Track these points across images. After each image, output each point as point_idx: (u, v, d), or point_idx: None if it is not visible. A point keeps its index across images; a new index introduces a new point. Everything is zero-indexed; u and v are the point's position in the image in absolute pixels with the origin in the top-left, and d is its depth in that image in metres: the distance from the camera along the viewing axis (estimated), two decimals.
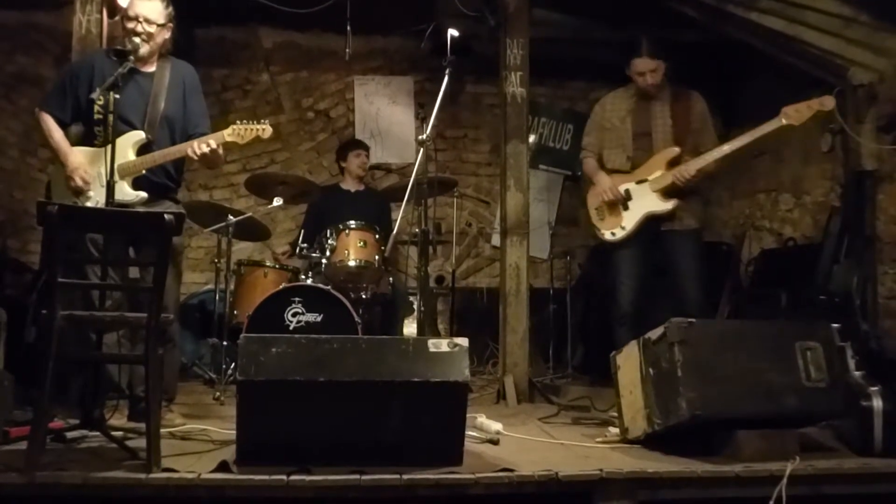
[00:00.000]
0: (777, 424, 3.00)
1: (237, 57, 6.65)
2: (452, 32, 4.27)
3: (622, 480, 2.73)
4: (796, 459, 2.81)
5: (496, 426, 3.37)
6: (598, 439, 3.35)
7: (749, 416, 2.97)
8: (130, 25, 3.54)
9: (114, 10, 4.19)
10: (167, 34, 3.67)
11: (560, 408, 4.19)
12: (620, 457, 3.03)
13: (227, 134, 3.56)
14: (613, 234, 4.15)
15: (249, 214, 4.99)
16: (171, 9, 3.65)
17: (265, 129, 3.60)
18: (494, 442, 3.25)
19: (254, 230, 5.30)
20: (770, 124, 3.86)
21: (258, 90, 6.62)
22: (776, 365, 3.05)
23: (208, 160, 3.58)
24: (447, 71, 4.09)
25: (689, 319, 3.09)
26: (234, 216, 4.79)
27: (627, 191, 4.12)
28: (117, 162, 3.35)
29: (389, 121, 6.77)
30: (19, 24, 6.09)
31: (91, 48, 4.12)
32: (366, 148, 5.84)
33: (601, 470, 2.72)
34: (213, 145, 3.51)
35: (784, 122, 3.82)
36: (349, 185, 5.72)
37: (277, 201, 4.80)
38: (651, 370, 3.14)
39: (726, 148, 3.96)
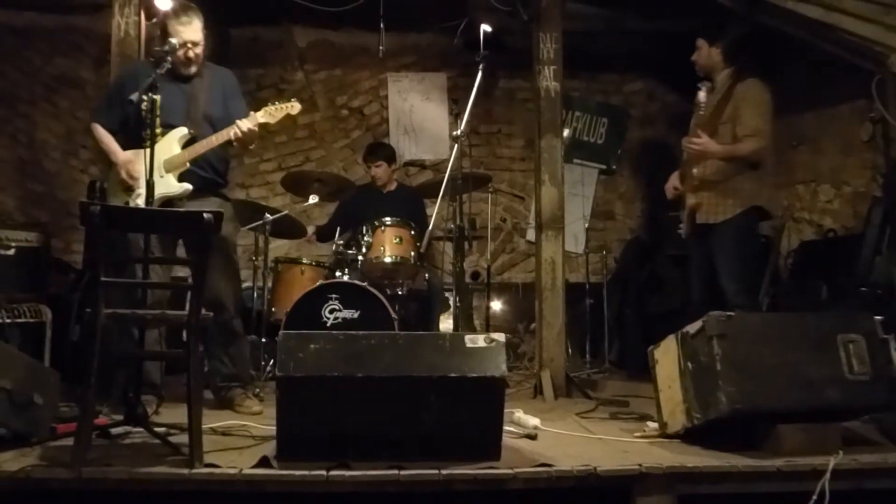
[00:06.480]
0: (819, 418, 2.95)
1: (271, 56, 6.71)
2: (485, 28, 4.27)
3: (662, 475, 2.71)
4: (839, 453, 2.77)
5: (534, 421, 3.37)
6: (637, 434, 3.32)
7: (790, 410, 2.93)
8: (181, 52, 3.70)
9: (151, 12, 4.27)
10: (205, 42, 3.85)
11: (598, 402, 4.17)
12: (660, 451, 3.01)
13: (260, 115, 3.75)
14: (680, 229, 4.17)
15: (286, 212, 5.05)
16: (202, 18, 3.81)
17: (293, 106, 3.82)
18: (532, 437, 3.24)
19: (290, 228, 5.36)
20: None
21: (293, 89, 6.64)
22: (817, 358, 3.00)
23: (246, 140, 3.77)
24: (480, 66, 4.10)
25: (728, 313, 3.06)
26: (271, 214, 4.85)
27: None
28: (164, 157, 3.61)
29: (423, 117, 6.79)
30: (58, 27, 6.19)
31: (129, 50, 4.20)
32: (386, 156, 5.69)
33: (640, 465, 2.71)
34: (249, 126, 3.70)
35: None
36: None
37: (313, 199, 4.87)
38: (690, 364, 3.11)
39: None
